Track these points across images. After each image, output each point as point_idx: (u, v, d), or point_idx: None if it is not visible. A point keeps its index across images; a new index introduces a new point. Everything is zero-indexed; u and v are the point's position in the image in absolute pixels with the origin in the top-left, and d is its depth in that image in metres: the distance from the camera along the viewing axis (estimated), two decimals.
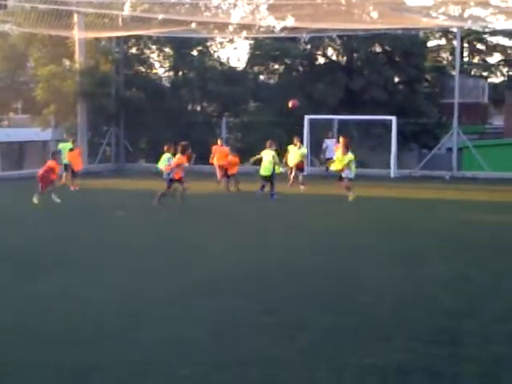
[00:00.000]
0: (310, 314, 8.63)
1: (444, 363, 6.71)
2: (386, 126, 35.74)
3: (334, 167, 23.74)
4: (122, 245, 14.08)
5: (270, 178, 22.98)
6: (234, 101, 43.21)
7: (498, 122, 53.28)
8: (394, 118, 35.16)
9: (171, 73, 45.93)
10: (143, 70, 44.92)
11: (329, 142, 32.76)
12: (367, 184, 28.77)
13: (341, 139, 24.21)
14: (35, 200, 20.76)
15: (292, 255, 13.05)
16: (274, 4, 43.20)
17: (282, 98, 42.73)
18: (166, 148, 22.27)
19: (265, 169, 23.28)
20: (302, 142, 28.42)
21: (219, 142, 29.73)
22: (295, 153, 27.12)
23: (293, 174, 26.95)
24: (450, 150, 39.28)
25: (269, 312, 8.64)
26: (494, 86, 57.63)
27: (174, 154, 21.87)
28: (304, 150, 28.36)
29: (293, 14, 42.27)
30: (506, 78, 58.33)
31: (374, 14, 44.30)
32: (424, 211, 20.46)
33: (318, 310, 8.84)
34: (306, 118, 36.36)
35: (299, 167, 27.05)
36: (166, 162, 21.84)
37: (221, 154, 28.10)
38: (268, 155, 23.43)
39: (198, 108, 46.06)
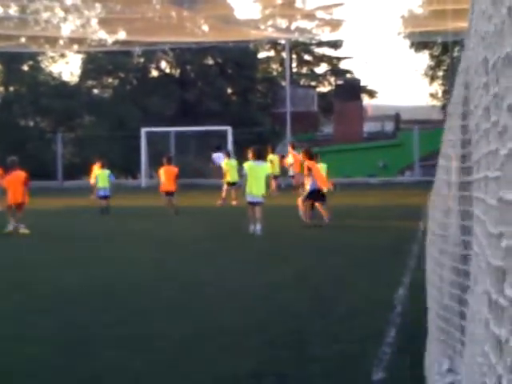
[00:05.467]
0: (156, 325, 8.48)
1: (293, 365, 6.80)
2: (223, 136, 36.42)
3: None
4: None
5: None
6: (69, 115, 42.65)
7: (328, 129, 55.28)
8: (229, 128, 35.93)
9: (1, 88, 44.70)
10: None
11: (215, 156, 33.23)
12: (205, 193, 29.32)
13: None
14: None
15: (140, 268, 12.97)
16: (105, 18, 43.07)
17: (117, 111, 42.76)
18: (100, 164, 23.62)
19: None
20: (228, 154, 27.13)
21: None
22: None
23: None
24: (283, 157, 40.38)
25: (116, 325, 8.45)
26: (322, 95, 59.86)
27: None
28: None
29: (124, 27, 42.36)
30: (333, 87, 60.68)
31: (205, 28, 45.10)
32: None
33: (165, 321, 8.70)
34: (143, 130, 36.43)
35: None
36: (107, 178, 22.85)
37: None
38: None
39: (31, 123, 45.08)
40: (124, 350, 7.41)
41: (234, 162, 26.17)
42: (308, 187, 18.44)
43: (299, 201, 18.74)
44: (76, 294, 10.47)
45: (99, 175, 23.24)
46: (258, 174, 17.13)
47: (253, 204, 17.19)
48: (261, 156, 17.84)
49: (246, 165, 17.38)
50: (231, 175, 25.45)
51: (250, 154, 17.46)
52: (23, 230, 17.84)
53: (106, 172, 23.23)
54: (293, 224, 18.31)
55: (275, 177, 25.78)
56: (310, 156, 19.08)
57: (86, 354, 7.33)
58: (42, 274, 12.38)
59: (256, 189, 17.07)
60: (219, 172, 35.06)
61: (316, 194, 18.50)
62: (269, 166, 18.54)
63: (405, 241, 15.14)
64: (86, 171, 39.86)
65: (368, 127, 51.73)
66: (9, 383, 6.56)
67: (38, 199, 26.26)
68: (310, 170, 18.42)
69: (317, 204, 18.76)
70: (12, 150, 37.99)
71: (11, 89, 44.12)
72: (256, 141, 44.55)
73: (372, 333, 7.90)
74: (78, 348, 7.55)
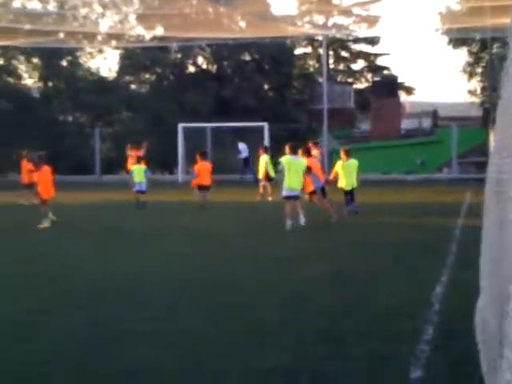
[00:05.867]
0: (190, 321, 8.45)
1: (326, 363, 6.76)
2: (259, 132, 36.45)
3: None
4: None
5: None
6: (107, 110, 43.00)
7: (365, 126, 55.03)
8: (265, 125, 35.93)
9: (40, 84, 45.19)
10: (11, 81, 43.97)
11: (241, 147, 33.72)
12: (240, 189, 29.43)
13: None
14: None
15: (173, 263, 13.00)
16: (143, 14, 43.32)
17: (154, 106, 43.00)
18: (138, 160, 24.25)
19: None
20: (265, 150, 26.62)
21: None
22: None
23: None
24: None
25: (150, 320, 8.40)
26: (359, 92, 59.63)
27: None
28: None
29: (162, 23, 42.57)
30: (370, 84, 60.39)
31: (242, 24, 45.15)
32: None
33: (199, 317, 8.63)
34: (180, 126, 36.58)
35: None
36: (144, 173, 23.25)
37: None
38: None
39: (70, 118, 45.53)
40: (158, 346, 7.38)
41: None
42: (312, 186, 18.44)
43: (316, 201, 18.79)
44: (109, 288, 10.46)
45: (135, 170, 23.44)
46: (297, 168, 17.25)
47: (293, 198, 17.26)
48: (297, 151, 17.91)
49: (284, 159, 17.42)
50: (269, 171, 25.46)
51: (288, 149, 17.50)
52: (51, 217, 18.26)
53: (143, 167, 23.43)
54: (329, 219, 18.27)
55: None
56: (309, 154, 18.91)
57: (120, 349, 7.28)
58: (75, 267, 12.40)
59: (297, 183, 17.21)
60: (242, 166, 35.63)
61: (323, 190, 18.95)
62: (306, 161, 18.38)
63: (443, 238, 15.06)
64: (124, 166, 40.38)
65: (405, 124, 51.37)
66: (46, 378, 6.53)
67: (76, 193, 26.58)
68: (309, 168, 18.30)
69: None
70: (51, 145, 38.55)
71: (50, 84, 44.58)
72: (292, 137, 44.58)
73: (409, 331, 7.82)
74: (112, 343, 7.51)
